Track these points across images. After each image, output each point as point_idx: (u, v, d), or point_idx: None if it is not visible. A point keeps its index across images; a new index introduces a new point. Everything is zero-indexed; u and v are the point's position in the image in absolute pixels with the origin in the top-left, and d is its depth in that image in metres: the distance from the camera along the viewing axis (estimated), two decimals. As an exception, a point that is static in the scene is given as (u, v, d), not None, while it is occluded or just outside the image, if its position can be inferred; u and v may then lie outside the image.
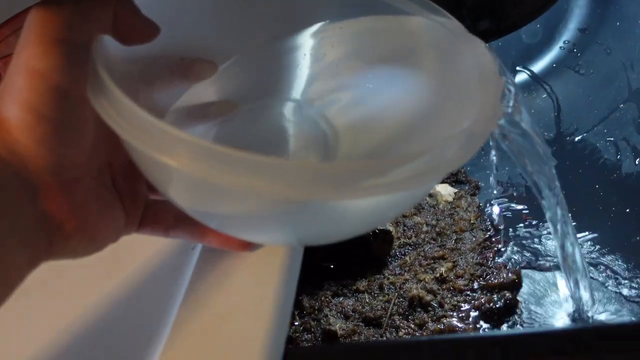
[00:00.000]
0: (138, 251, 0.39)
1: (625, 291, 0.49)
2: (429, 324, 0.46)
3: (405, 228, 0.55)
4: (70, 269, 0.38)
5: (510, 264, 0.52)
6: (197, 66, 0.33)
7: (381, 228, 0.51)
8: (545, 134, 0.67)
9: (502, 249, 0.54)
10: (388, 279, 0.50)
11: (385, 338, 0.45)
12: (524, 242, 0.55)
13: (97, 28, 0.25)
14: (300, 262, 0.38)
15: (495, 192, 0.62)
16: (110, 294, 0.37)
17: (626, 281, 0.49)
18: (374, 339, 0.45)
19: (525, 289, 0.49)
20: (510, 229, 0.57)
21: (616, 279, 0.50)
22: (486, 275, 0.50)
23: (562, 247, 0.41)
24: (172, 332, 0.33)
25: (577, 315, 0.46)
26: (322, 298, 0.48)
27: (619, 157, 0.60)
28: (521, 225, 0.57)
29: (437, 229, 0.55)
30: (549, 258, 0.53)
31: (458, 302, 0.48)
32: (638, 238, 0.52)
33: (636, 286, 0.49)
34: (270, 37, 0.35)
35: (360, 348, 0.37)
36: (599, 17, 0.69)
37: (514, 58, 0.73)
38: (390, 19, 0.33)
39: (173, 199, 0.26)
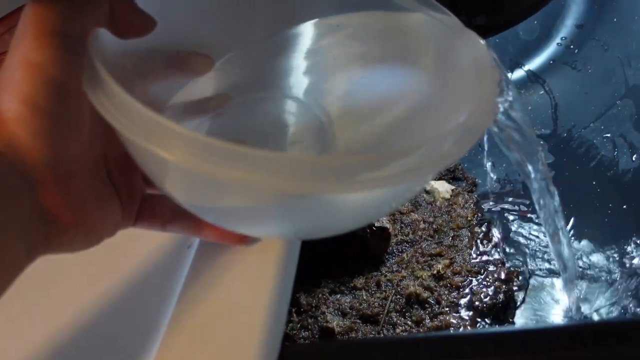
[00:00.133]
0: (134, 249, 0.39)
1: (620, 287, 0.49)
2: (426, 320, 0.46)
3: (403, 225, 0.55)
4: (64, 267, 0.38)
5: (507, 260, 0.52)
6: (192, 59, 0.33)
7: (378, 225, 0.51)
8: (542, 130, 0.67)
9: (499, 246, 0.54)
10: (385, 276, 0.50)
11: (382, 335, 0.45)
12: (521, 238, 0.55)
13: (93, 21, 0.25)
14: (297, 259, 0.38)
15: (492, 188, 0.62)
16: (106, 291, 0.37)
17: (622, 278, 0.49)
18: (371, 336, 0.45)
19: (522, 285, 0.49)
20: (508, 226, 0.57)
21: (612, 275, 0.50)
22: (483, 272, 0.50)
23: (553, 241, 0.41)
24: (168, 330, 0.33)
25: (571, 311, 0.46)
26: (320, 295, 0.48)
27: (616, 153, 0.60)
28: (518, 221, 0.57)
29: (434, 226, 0.55)
30: (546, 255, 0.53)
31: (455, 298, 0.48)
32: (635, 234, 0.53)
33: (632, 283, 0.49)
34: (268, 32, 0.35)
35: (357, 345, 0.37)
36: (596, 13, 0.69)
37: (511, 54, 0.73)
38: (387, 15, 0.33)
39: (170, 192, 0.26)
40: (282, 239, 0.37)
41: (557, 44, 0.71)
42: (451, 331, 0.44)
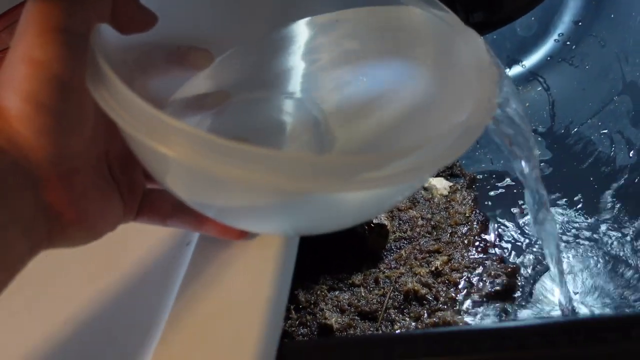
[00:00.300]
0: (133, 246, 0.39)
1: (617, 283, 0.49)
2: (424, 317, 0.46)
3: (401, 222, 0.55)
4: (63, 264, 0.38)
5: (505, 256, 0.53)
6: (192, 54, 0.33)
7: (376, 222, 0.52)
8: (540, 127, 0.68)
9: (497, 242, 0.54)
10: (383, 272, 0.50)
11: (380, 332, 0.45)
12: (520, 234, 0.55)
13: (96, 17, 0.25)
14: (295, 255, 0.38)
15: (490, 185, 0.62)
16: (105, 288, 0.37)
17: (618, 273, 0.50)
18: (370, 332, 0.45)
19: (520, 280, 0.50)
20: (506, 222, 0.57)
21: (608, 270, 0.50)
22: (481, 268, 0.50)
23: (540, 235, 0.41)
24: (167, 326, 0.33)
25: (566, 307, 0.46)
26: (318, 292, 0.48)
27: (613, 149, 0.60)
28: (517, 217, 0.57)
29: (432, 223, 0.56)
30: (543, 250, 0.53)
31: (453, 295, 0.48)
32: (632, 231, 0.53)
33: (629, 280, 0.49)
34: (267, 28, 0.35)
35: (355, 342, 0.37)
36: (593, 9, 0.69)
37: (508, 51, 0.73)
38: (386, 11, 0.33)
39: (171, 188, 0.27)
40: (281, 235, 0.37)
41: (555, 40, 0.71)
42: (449, 327, 0.44)
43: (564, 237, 0.54)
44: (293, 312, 0.46)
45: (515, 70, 0.72)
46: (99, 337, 0.35)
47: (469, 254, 0.52)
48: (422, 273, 0.50)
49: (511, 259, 0.52)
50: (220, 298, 0.34)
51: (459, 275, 0.49)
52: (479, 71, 0.27)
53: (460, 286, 0.49)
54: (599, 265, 0.51)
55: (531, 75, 0.72)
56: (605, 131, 0.62)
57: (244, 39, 0.35)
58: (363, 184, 0.21)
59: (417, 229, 0.55)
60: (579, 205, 0.57)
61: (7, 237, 0.23)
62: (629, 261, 0.50)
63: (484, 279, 0.49)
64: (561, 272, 0.44)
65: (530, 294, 0.49)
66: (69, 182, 0.25)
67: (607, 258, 0.51)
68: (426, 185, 0.60)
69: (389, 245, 0.53)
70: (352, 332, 0.45)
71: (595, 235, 0.54)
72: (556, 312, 0.47)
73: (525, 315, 0.47)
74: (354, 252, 0.51)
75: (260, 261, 0.35)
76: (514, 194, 0.60)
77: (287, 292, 0.36)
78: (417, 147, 0.22)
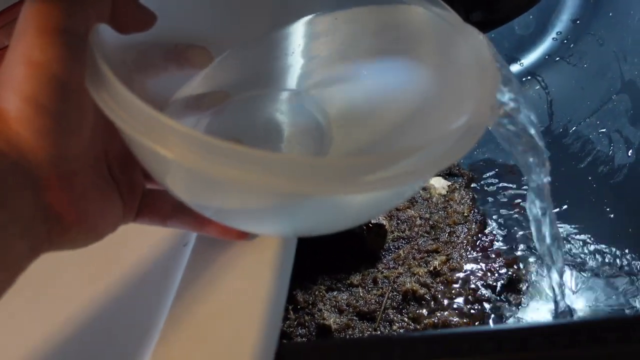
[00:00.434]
0: (131, 247, 0.39)
1: (617, 283, 0.49)
2: (423, 317, 0.46)
3: (399, 222, 0.55)
4: (62, 265, 0.38)
5: (504, 255, 0.52)
6: (190, 51, 0.33)
7: (374, 222, 0.51)
8: (538, 125, 0.67)
9: (496, 242, 0.54)
10: (382, 272, 0.50)
11: (379, 332, 0.45)
12: (518, 233, 0.55)
13: (95, 17, 0.24)
14: (293, 256, 0.38)
15: (488, 184, 0.62)
16: (103, 289, 0.37)
17: (618, 273, 0.50)
18: (368, 333, 0.45)
19: (519, 280, 0.49)
20: (504, 221, 0.57)
21: (608, 270, 0.50)
22: (480, 268, 0.50)
23: (538, 232, 0.41)
24: (165, 327, 0.33)
25: (564, 306, 0.46)
26: (316, 292, 0.48)
27: (611, 148, 0.60)
28: (515, 216, 0.57)
29: (430, 222, 0.55)
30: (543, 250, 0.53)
31: (452, 295, 0.48)
32: (630, 230, 0.53)
33: (627, 278, 0.49)
34: (266, 28, 0.35)
35: (354, 343, 0.37)
36: (591, 8, 0.69)
37: (506, 49, 0.73)
38: (386, 10, 0.33)
39: (170, 188, 0.26)
40: (280, 237, 0.37)
41: (553, 38, 0.71)
42: (448, 329, 0.44)
43: (563, 237, 0.54)
44: (291, 313, 0.46)
45: (513, 69, 0.72)
46: (99, 337, 0.35)
47: (468, 253, 0.52)
48: (420, 273, 0.50)
49: (510, 258, 0.52)
50: (219, 298, 0.34)
51: (457, 274, 0.49)
52: (480, 71, 0.27)
53: (458, 286, 0.48)
54: (597, 264, 0.51)
55: (529, 74, 0.72)
56: (604, 130, 0.62)
57: (243, 38, 0.35)
58: (363, 186, 0.21)
59: (416, 229, 0.55)
60: (578, 205, 0.57)
61: (6, 237, 0.22)
62: (628, 260, 0.50)
63: (483, 278, 0.49)
64: (560, 272, 0.44)
65: (529, 292, 0.49)
66: (69, 183, 0.25)
67: (605, 257, 0.51)
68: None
69: (387, 245, 0.53)
70: (350, 332, 0.45)
71: (594, 235, 0.54)
72: (552, 309, 0.47)
73: (525, 314, 0.47)
74: (352, 252, 0.51)
75: (258, 261, 0.35)
76: (513, 194, 0.60)
77: (285, 292, 0.36)
78: (417, 149, 0.22)
